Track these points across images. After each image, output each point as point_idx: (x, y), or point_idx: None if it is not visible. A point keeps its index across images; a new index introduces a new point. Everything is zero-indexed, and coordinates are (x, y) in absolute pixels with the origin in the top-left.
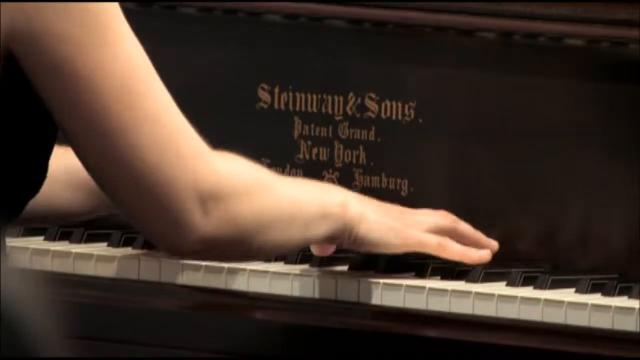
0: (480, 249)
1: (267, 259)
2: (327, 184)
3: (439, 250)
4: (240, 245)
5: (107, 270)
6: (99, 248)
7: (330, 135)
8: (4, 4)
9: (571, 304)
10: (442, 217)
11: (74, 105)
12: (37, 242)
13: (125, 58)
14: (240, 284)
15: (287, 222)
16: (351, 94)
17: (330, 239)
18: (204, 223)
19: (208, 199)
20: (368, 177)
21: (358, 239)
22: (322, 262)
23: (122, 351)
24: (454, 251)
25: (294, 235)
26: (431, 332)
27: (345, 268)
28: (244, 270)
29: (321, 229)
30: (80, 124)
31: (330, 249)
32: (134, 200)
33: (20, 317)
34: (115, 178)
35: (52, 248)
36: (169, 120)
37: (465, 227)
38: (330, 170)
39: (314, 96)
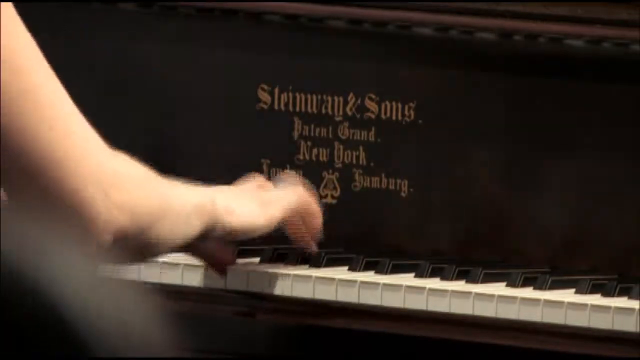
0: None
1: (159, 255)
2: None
3: (295, 230)
4: (142, 238)
5: None
6: None
7: (330, 135)
8: None
9: (571, 305)
10: (296, 195)
11: None
12: None
13: (7, 37)
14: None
15: (174, 217)
16: (351, 95)
17: (203, 235)
18: (109, 212)
19: (110, 188)
20: (368, 178)
21: (230, 229)
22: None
23: None
24: (303, 234)
25: (179, 230)
26: (431, 333)
27: (344, 271)
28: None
29: (197, 225)
30: None
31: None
32: (32, 195)
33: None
34: (8, 164)
35: None
36: (55, 98)
37: (315, 209)
38: (330, 171)
39: (314, 97)
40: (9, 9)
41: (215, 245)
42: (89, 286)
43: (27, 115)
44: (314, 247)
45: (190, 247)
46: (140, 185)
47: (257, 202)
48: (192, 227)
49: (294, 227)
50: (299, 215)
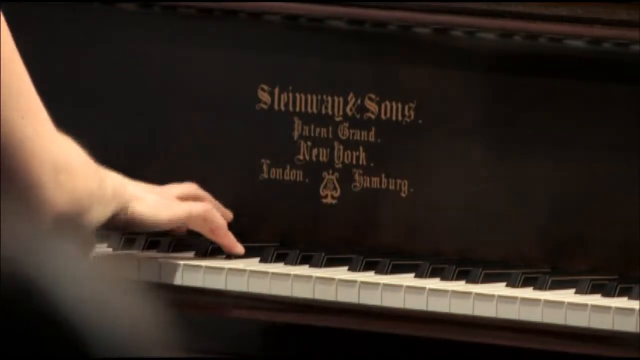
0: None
1: (84, 239)
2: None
3: (205, 219)
4: (74, 222)
5: None
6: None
7: (330, 136)
8: None
9: (571, 305)
10: (204, 204)
11: None
12: None
13: None
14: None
15: (102, 202)
16: (351, 95)
17: (111, 218)
18: (56, 195)
19: (61, 170)
20: (368, 178)
21: (133, 216)
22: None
23: None
24: (218, 222)
25: (100, 214)
26: (431, 333)
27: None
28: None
29: (110, 209)
30: None
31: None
32: None
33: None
34: None
35: None
36: (29, 87)
37: (219, 219)
38: (330, 171)
39: (314, 97)
40: None
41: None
42: (82, 283)
43: (6, 103)
44: (237, 248)
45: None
46: (85, 171)
47: (165, 196)
48: (107, 212)
49: (205, 219)
50: (202, 220)
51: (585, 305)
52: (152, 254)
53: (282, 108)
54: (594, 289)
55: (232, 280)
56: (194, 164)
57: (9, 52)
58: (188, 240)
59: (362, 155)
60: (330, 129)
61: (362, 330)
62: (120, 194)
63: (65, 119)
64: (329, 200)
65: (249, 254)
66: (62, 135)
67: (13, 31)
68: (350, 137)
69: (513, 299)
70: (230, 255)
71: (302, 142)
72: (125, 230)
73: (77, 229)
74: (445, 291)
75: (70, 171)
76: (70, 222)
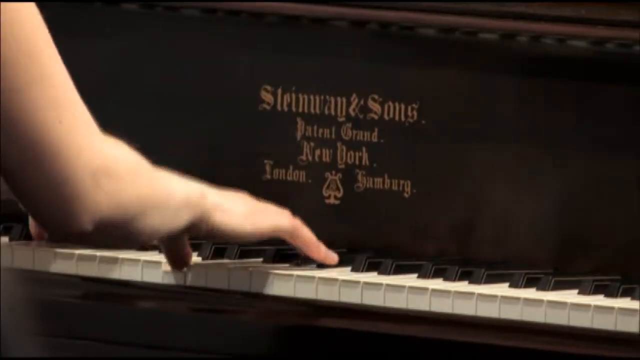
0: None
1: (141, 244)
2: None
3: (292, 235)
4: (124, 227)
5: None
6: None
7: (333, 136)
8: None
9: (574, 306)
10: (286, 218)
11: None
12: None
13: (27, 16)
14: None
15: (162, 208)
16: (354, 96)
17: (189, 227)
18: (97, 200)
19: (101, 176)
20: (371, 179)
21: (215, 227)
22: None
23: (109, 351)
24: (307, 238)
25: (166, 221)
26: (434, 334)
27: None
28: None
29: (185, 216)
30: None
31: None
32: (25, 170)
33: None
34: (8, 144)
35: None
36: (67, 88)
37: (308, 233)
38: (333, 172)
39: (317, 97)
40: None
41: (186, 241)
42: None
43: (40, 100)
44: (330, 257)
45: (172, 239)
46: (132, 175)
47: (249, 208)
48: (179, 220)
49: (293, 235)
50: (288, 236)
51: (588, 305)
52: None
53: (285, 109)
54: (597, 290)
55: (234, 280)
56: (197, 165)
57: (47, 48)
58: None
59: (365, 156)
60: (333, 129)
61: (365, 331)
62: (196, 203)
63: None
64: (331, 200)
65: (250, 255)
66: (106, 138)
67: None
68: (353, 138)
69: (516, 299)
70: (244, 253)
71: (305, 143)
72: (208, 240)
73: (131, 236)
74: (448, 292)
75: (113, 175)
76: (117, 228)
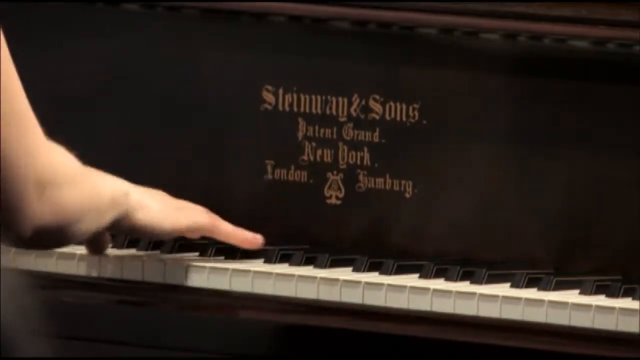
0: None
1: (72, 245)
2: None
3: (212, 231)
4: (61, 233)
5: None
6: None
7: (334, 136)
8: None
9: (575, 306)
10: (204, 215)
11: None
12: None
13: None
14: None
15: (93, 210)
16: (355, 96)
17: (112, 225)
18: (39, 210)
19: (46, 185)
20: (372, 179)
21: (136, 225)
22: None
23: (113, 351)
24: (227, 231)
25: (95, 222)
26: (436, 334)
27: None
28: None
29: (109, 216)
30: None
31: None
32: None
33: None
34: None
35: None
36: (15, 92)
37: (226, 226)
38: (335, 172)
39: (318, 97)
40: None
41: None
42: None
43: None
44: (257, 239)
45: (95, 236)
46: (74, 182)
47: (169, 206)
48: (105, 220)
49: (212, 230)
50: (208, 232)
51: (590, 306)
52: (157, 254)
53: (287, 108)
54: (598, 290)
55: (236, 280)
56: (198, 165)
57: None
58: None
59: (367, 156)
60: (335, 129)
61: (367, 331)
62: (121, 202)
63: (67, 119)
64: (333, 201)
65: (253, 254)
66: (51, 145)
67: (15, 31)
68: (355, 138)
69: (517, 299)
70: (245, 253)
71: (307, 143)
72: (130, 235)
73: (65, 239)
74: (450, 292)
75: (56, 184)
76: (54, 233)
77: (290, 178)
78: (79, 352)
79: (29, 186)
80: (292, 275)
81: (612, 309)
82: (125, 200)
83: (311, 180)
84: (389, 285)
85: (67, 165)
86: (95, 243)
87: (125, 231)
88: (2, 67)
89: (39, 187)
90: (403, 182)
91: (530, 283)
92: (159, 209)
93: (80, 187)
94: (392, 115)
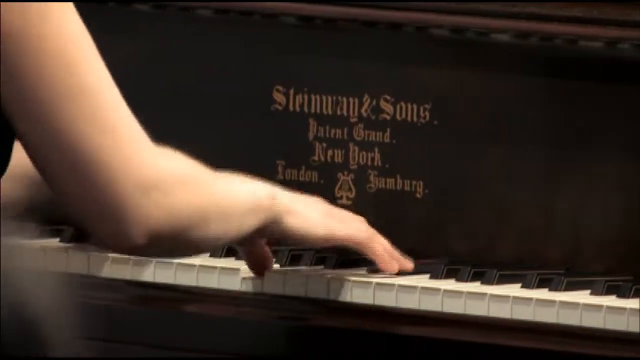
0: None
1: (206, 252)
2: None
3: (366, 246)
4: (180, 239)
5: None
6: None
7: (345, 137)
8: None
9: (586, 306)
10: (364, 228)
11: (10, 68)
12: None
13: (64, 29)
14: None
15: (224, 215)
16: (366, 96)
17: (259, 231)
18: (147, 215)
19: (151, 189)
20: (383, 179)
21: (286, 230)
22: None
23: (113, 351)
24: (380, 250)
25: (230, 227)
26: (446, 334)
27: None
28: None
29: (252, 221)
30: (16, 91)
31: (268, 265)
32: (63, 176)
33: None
34: (50, 156)
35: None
36: (108, 99)
37: (383, 242)
38: (345, 172)
39: (329, 98)
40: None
41: (263, 245)
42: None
43: (78, 115)
44: (406, 266)
45: (244, 243)
46: (185, 185)
47: (323, 212)
48: (246, 225)
49: (367, 246)
50: (361, 247)
51: (601, 306)
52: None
53: (297, 109)
54: (609, 290)
55: (236, 280)
56: (208, 165)
57: (85, 62)
58: None
59: (377, 156)
60: (345, 130)
61: (378, 331)
62: (265, 207)
63: None
64: (344, 201)
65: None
66: (159, 150)
67: None
68: (366, 138)
69: (528, 300)
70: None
71: (317, 143)
72: (282, 241)
73: (186, 245)
74: (461, 292)
75: (164, 188)
76: (171, 238)
77: (301, 178)
78: None
79: (132, 191)
80: (302, 276)
81: (623, 309)
82: (272, 204)
83: (322, 181)
84: (400, 285)
85: (177, 169)
86: (253, 256)
87: (276, 237)
88: (85, 65)
89: (143, 191)
90: (414, 182)
91: (541, 283)
92: (310, 214)
93: (195, 190)
94: (403, 116)
